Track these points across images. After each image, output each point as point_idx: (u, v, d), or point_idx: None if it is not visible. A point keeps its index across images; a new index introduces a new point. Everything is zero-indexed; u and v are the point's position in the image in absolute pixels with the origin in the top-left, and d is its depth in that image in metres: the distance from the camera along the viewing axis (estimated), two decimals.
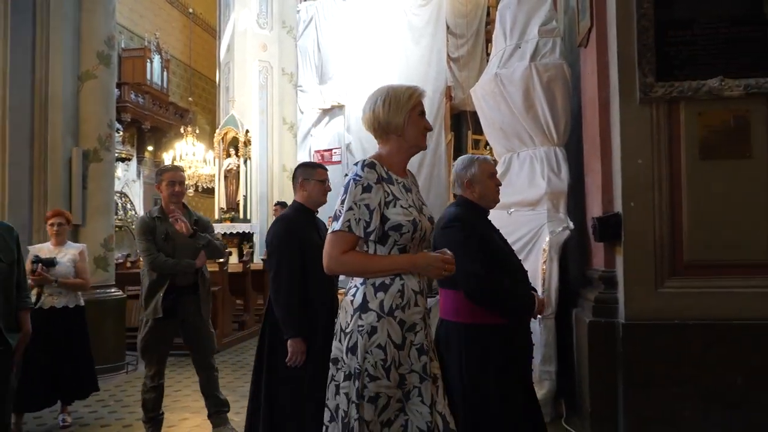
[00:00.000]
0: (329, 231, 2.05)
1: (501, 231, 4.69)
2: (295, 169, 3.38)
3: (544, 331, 4.14)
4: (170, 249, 3.90)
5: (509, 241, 4.54)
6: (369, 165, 2.05)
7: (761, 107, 3.54)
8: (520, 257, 4.42)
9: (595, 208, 4.03)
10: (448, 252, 2.06)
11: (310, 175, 3.26)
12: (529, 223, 4.46)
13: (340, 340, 2.05)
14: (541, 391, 4.01)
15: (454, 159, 13.99)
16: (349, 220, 1.98)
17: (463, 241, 2.56)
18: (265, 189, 14.28)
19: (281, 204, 8.61)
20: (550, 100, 4.57)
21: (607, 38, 3.87)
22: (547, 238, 4.25)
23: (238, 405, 4.63)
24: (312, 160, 13.88)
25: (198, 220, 4.08)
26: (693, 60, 3.66)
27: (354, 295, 2.04)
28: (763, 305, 3.45)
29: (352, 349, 1.98)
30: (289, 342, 3.00)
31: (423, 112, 2.16)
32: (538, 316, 3.03)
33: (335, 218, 2.03)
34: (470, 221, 2.70)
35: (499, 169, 4.97)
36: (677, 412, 3.46)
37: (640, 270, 3.57)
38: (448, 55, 12.40)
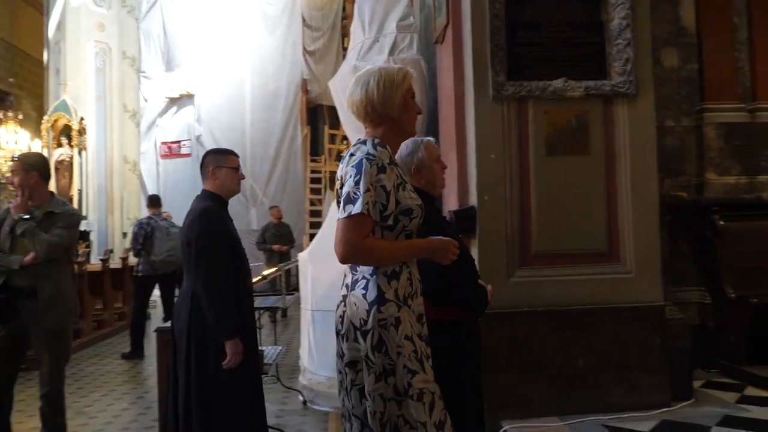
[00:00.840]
0: (342, 216, 1.81)
1: None
2: (204, 157, 3.10)
3: None
4: (8, 244, 3.37)
5: None
6: (380, 144, 1.88)
7: (598, 108, 3.83)
8: None
9: (452, 201, 4.12)
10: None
11: (222, 162, 3.03)
12: None
13: (355, 340, 1.85)
14: None
15: (310, 153, 13.88)
16: (368, 203, 1.78)
17: None
18: (104, 182, 13.07)
19: (151, 199, 7.85)
20: None
21: (462, 36, 3.97)
22: None
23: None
24: (160, 148, 12.99)
25: (53, 213, 3.48)
26: (541, 61, 3.87)
27: (366, 288, 1.85)
28: (602, 290, 3.73)
29: (377, 347, 1.81)
30: (227, 344, 2.80)
31: (414, 95, 2.02)
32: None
33: (347, 201, 1.80)
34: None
35: None
36: (528, 396, 3.64)
37: (494, 261, 3.70)
38: (304, 48, 12.23)
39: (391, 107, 1.92)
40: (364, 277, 1.86)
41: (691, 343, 4.10)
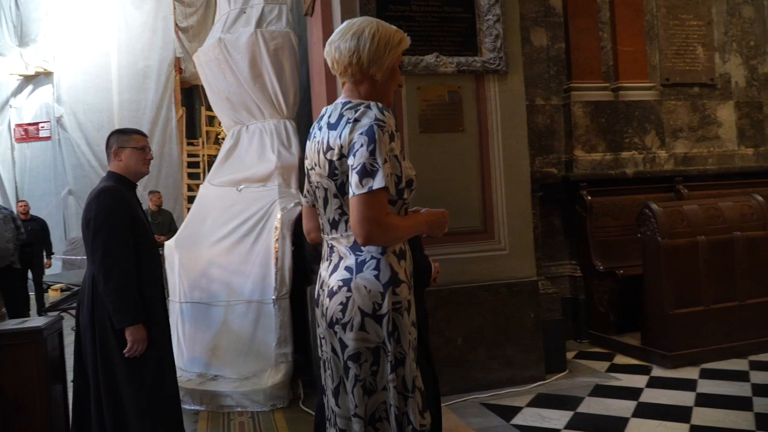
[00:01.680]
0: (361, 191, 1.55)
1: (231, 209, 4.46)
2: (108, 137, 2.83)
3: (279, 312, 3.93)
4: None
5: (241, 219, 4.33)
6: (385, 108, 1.65)
7: (470, 84, 3.77)
8: (252, 236, 4.20)
9: None
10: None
11: (125, 142, 2.80)
12: (260, 200, 4.18)
13: (363, 328, 1.64)
14: (278, 375, 3.81)
15: (187, 136, 13.07)
16: (388, 176, 1.56)
17: None
18: None
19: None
20: (277, 69, 4.34)
21: (332, 8, 3.75)
22: (279, 215, 4.04)
23: None
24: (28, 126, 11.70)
25: None
26: (413, 35, 3.70)
27: (377, 268, 1.64)
28: (478, 268, 3.71)
29: (392, 333, 1.64)
30: (127, 331, 2.59)
31: (402, 64, 1.75)
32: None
33: (364, 173, 1.55)
34: None
35: (228, 143, 4.61)
36: None
37: None
38: (176, 24, 11.45)
39: (377, 66, 1.70)
40: (373, 257, 1.65)
41: (563, 315, 4.22)
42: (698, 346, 4.01)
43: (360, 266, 1.65)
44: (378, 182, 1.54)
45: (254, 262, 4.02)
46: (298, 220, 4.16)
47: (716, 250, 4.10)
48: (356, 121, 1.61)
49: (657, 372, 3.90)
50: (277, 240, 3.97)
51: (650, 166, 5.12)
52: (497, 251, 3.78)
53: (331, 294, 1.68)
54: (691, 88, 5.42)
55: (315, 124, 1.79)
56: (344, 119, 1.63)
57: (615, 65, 5.13)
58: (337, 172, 1.64)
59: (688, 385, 3.60)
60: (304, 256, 4.36)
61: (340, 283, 1.67)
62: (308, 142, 1.79)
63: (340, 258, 1.70)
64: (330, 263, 1.73)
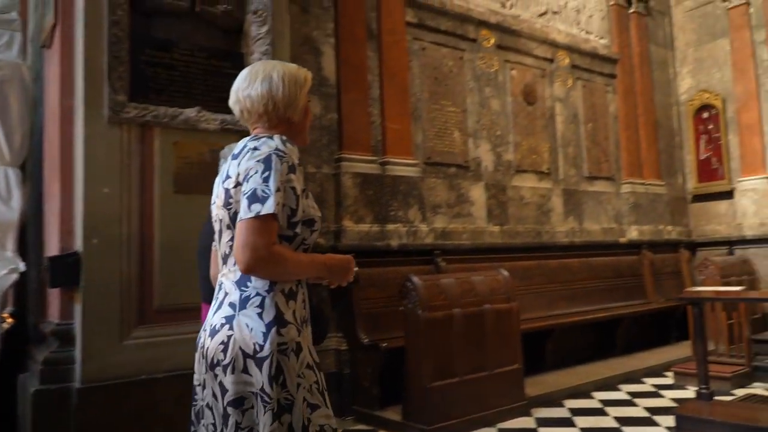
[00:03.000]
0: (248, 215, 1.51)
1: None
2: None
3: None
4: None
5: None
6: (289, 141, 1.64)
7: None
8: None
9: (53, 244, 3.25)
10: None
11: None
12: None
13: (245, 371, 1.53)
14: None
15: None
16: (278, 204, 1.52)
17: None
18: None
19: None
20: (2, 106, 3.60)
21: (74, 41, 3.23)
22: None
23: None
24: None
25: None
26: (172, 85, 3.38)
27: (261, 306, 1.56)
28: None
29: (275, 377, 1.52)
30: None
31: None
32: None
33: (254, 199, 1.52)
34: None
35: None
36: None
37: (103, 320, 2.99)
38: None
39: (293, 109, 1.71)
40: (258, 294, 1.57)
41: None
42: (455, 417, 4.08)
43: (243, 303, 1.58)
44: (267, 208, 1.51)
45: None
46: (24, 290, 3.41)
47: (469, 323, 4.29)
48: (255, 149, 1.58)
49: None
50: None
51: (413, 239, 5.30)
52: None
53: (213, 332, 1.59)
54: (448, 168, 5.84)
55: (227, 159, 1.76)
56: (246, 148, 1.61)
57: (383, 140, 5.30)
58: (231, 200, 1.60)
59: None
60: (27, 336, 3.57)
61: (223, 321, 1.58)
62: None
63: (225, 293, 1.62)
64: (216, 301, 1.65)
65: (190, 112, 3.34)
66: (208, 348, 1.58)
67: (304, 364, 1.60)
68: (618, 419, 4.16)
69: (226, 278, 1.63)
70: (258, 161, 1.55)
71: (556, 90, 6.80)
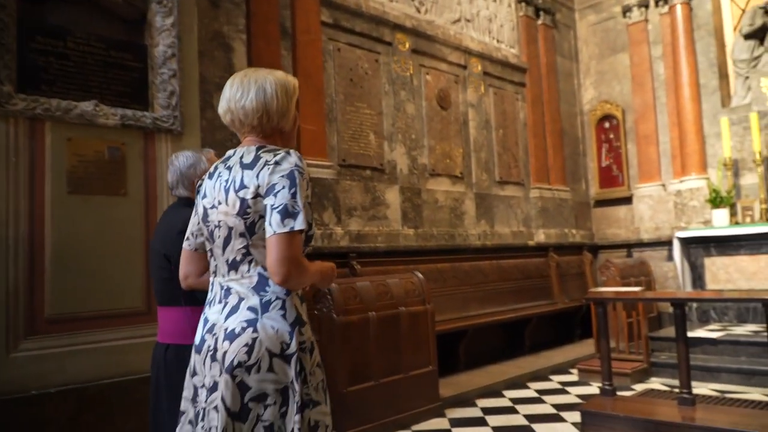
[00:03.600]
0: (282, 230, 1.58)
1: None
2: None
3: None
4: None
5: None
6: (300, 157, 1.67)
7: (138, 141, 3.29)
8: None
9: None
10: None
11: None
12: None
13: (270, 369, 1.59)
14: None
15: None
16: (305, 220, 1.62)
17: None
18: None
19: None
20: None
21: None
22: None
23: None
24: None
25: None
26: (66, 77, 3.13)
27: (284, 308, 1.64)
28: (137, 358, 3.11)
29: (300, 373, 1.62)
30: None
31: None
32: None
33: (286, 214, 1.59)
34: None
35: None
36: None
37: None
38: None
39: (286, 120, 1.77)
40: (278, 298, 1.66)
41: None
42: (371, 421, 4.04)
43: (266, 306, 1.65)
44: (299, 224, 1.60)
45: None
46: None
47: (385, 326, 4.27)
48: (276, 164, 1.63)
49: None
50: None
51: (327, 241, 5.22)
52: None
53: (232, 336, 1.62)
54: (364, 170, 5.81)
55: (218, 164, 1.76)
56: (262, 160, 1.65)
57: (298, 141, 5.19)
58: (249, 210, 1.64)
59: None
60: None
61: (244, 324, 1.63)
62: (207, 181, 1.76)
63: (241, 299, 1.66)
64: (226, 305, 1.68)
65: (87, 106, 3.10)
66: (226, 351, 1.61)
67: (315, 362, 1.71)
68: (527, 417, 4.27)
69: (238, 284, 1.67)
70: (282, 176, 1.62)
71: (469, 96, 6.95)
